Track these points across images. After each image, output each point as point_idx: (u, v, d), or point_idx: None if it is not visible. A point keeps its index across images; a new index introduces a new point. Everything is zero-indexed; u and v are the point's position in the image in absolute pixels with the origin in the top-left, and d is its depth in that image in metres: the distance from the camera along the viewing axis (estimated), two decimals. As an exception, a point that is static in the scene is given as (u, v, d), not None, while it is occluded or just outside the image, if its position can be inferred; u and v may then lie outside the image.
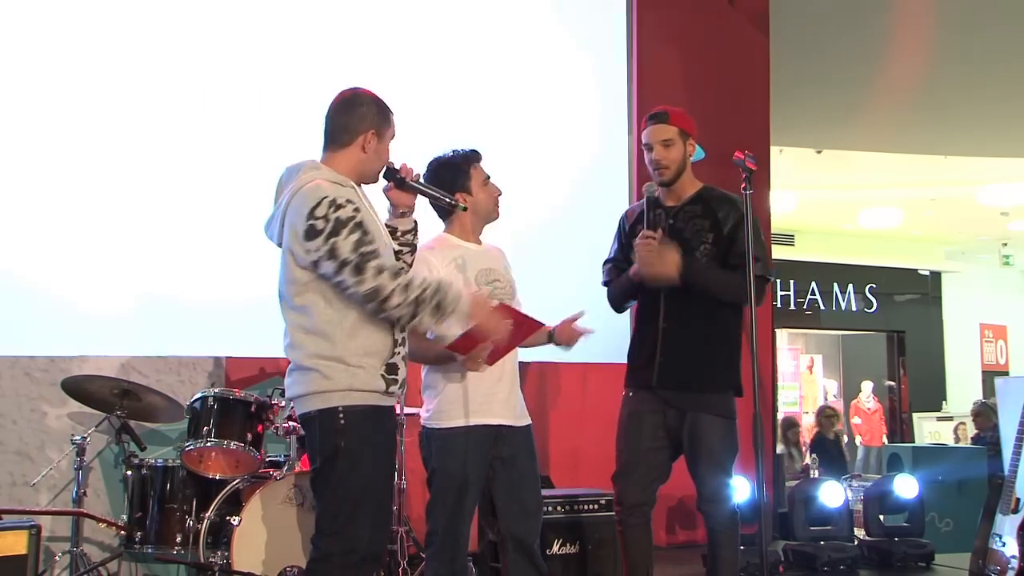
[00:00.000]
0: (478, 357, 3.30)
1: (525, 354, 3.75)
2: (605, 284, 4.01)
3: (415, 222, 3.31)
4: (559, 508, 4.41)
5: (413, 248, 3.32)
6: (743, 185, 3.53)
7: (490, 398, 3.47)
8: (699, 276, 3.69)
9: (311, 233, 2.84)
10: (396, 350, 3.04)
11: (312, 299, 2.94)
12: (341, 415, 2.92)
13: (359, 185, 3.09)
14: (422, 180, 3.31)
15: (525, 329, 3.34)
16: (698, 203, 3.81)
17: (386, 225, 3.21)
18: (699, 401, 3.71)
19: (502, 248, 3.77)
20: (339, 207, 2.86)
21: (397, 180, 3.19)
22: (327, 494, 2.98)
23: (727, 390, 3.78)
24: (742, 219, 3.63)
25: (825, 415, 11.12)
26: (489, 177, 3.62)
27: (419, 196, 3.28)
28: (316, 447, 2.98)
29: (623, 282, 3.88)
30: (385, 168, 3.16)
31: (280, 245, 3.04)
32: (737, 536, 3.80)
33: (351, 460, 2.93)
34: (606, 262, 4.04)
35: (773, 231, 7.30)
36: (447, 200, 3.32)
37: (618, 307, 4.03)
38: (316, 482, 3.06)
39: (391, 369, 3.02)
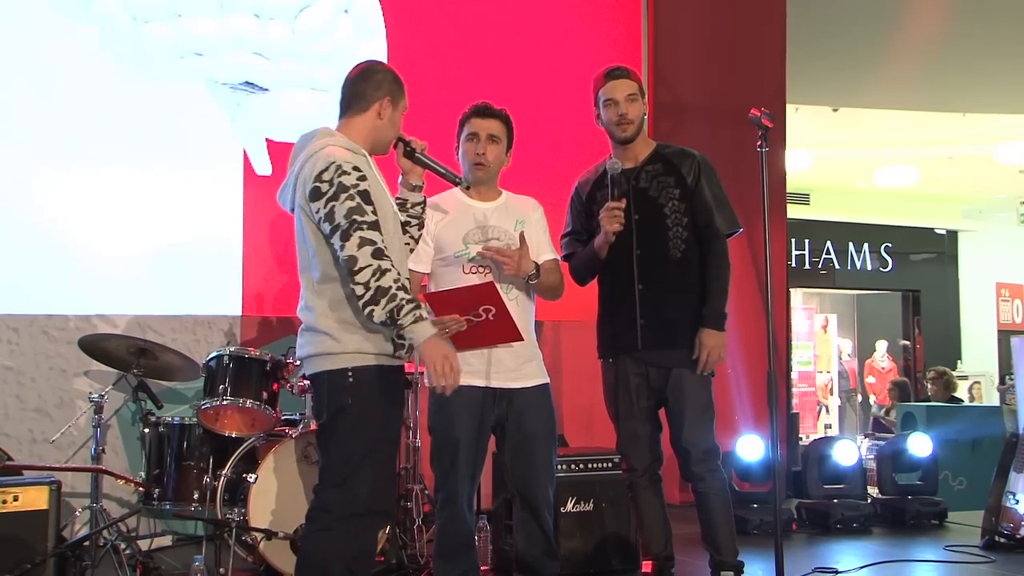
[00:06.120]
0: (446, 325, 3.15)
1: (538, 312, 3.70)
2: (566, 258, 3.91)
3: (424, 198, 3.36)
4: (573, 466, 4.42)
5: (421, 222, 3.37)
6: (759, 143, 3.50)
7: (488, 358, 3.42)
8: (719, 311, 3.72)
9: (315, 195, 2.89)
10: None
11: (327, 263, 2.95)
12: (350, 374, 2.95)
13: (371, 156, 3.11)
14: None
15: (500, 326, 3.25)
16: (657, 161, 3.79)
17: (396, 198, 3.26)
18: (683, 358, 3.69)
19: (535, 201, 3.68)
20: (344, 173, 2.88)
21: (407, 150, 3.25)
22: (332, 449, 3.01)
23: None
24: (702, 171, 3.74)
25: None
26: (476, 135, 3.52)
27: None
28: (324, 404, 3.01)
29: (587, 254, 3.80)
30: (397, 137, 3.21)
31: (292, 211, 3.07)
32: (729, 496, 3.77)
33: (357, 417, 2.96)
34: (564, 235, 3.96)
35: (788, 189, 7.25)
36: (452, 177, 3.31)
37: (583, 280, 3.92)
38: (321, 437, 3.08)
39: (401, 335, 3.03)
